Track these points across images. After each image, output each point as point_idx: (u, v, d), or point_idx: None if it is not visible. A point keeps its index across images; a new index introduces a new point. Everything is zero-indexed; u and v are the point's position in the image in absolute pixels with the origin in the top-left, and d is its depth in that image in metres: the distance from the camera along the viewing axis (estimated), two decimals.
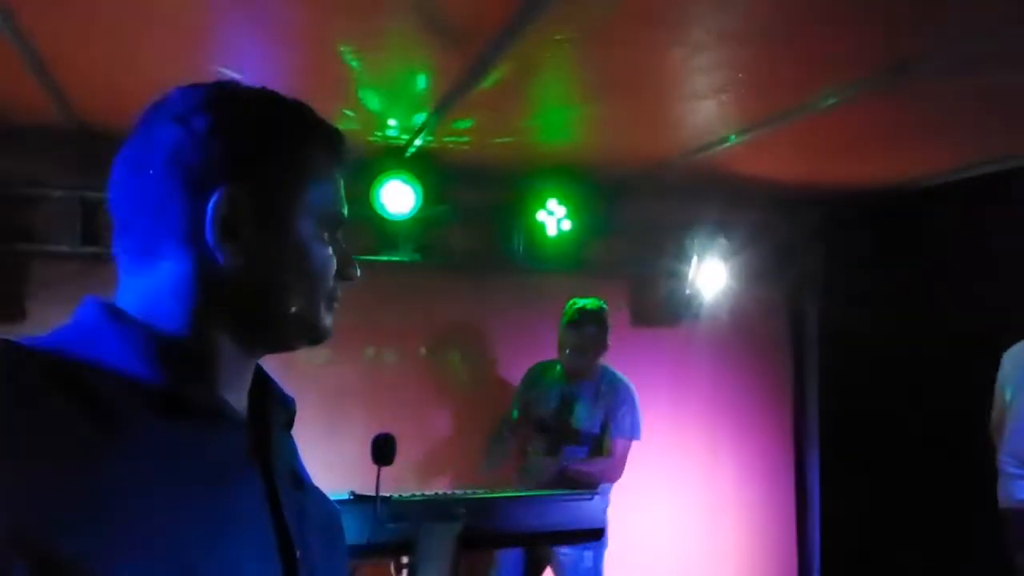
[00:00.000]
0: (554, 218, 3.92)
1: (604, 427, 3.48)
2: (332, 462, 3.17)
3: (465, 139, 3.33)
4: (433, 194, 3.66)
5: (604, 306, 3.48)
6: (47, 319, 0.90)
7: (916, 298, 3.80)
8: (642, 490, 4.24)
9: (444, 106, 2.92)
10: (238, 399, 0.80)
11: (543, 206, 3.91)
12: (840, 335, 4.43)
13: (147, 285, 0.76)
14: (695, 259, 4.18)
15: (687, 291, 4.23)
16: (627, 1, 2.08)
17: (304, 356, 3.82)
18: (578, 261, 4.05)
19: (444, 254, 3.96)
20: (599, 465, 3.41)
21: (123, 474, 0.65)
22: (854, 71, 2.51)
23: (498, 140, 3.35)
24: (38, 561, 0.58)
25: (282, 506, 0.78)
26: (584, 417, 3.46)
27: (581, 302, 3.46)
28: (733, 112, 2.99)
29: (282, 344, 0.84)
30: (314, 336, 0.84)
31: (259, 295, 0.79)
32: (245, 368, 0.82)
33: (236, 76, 0.86)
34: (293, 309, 0.80)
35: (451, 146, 3.41)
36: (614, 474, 3.40)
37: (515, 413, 3.61)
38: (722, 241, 4.14)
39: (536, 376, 3.60)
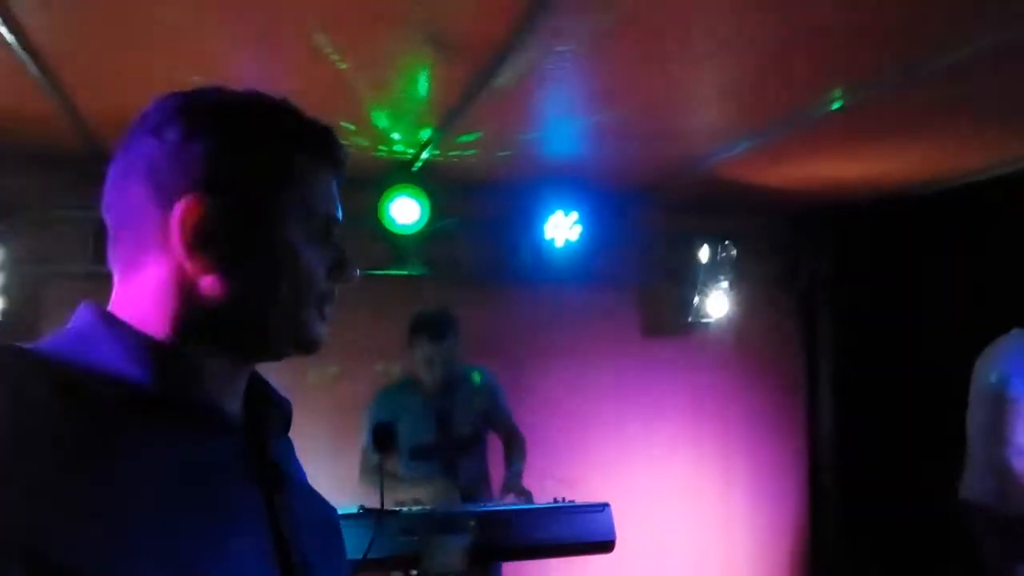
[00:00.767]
0: (562, 229, 3.92)
1: (481, 420, 3.36)
2: (342, 476, 3.19)
3: (471, 152, 3.34)
4: (441, 208, 3.67)
5: (449, 310, 3.32)
6: None
7: (928, 304, 3.77)
8: (656, 499, 4.23)
9: (450, 120, 2.93)
10: (232, 404, 0.80)
11: (550, 218, 3.91)
12: (852, 341, 4.41)
13: (134, 293, 0.78)
14: (704, 268, 4.18)
15: (697, 300, 4.23)
16: (629, 11, 2.08)
17: (314, 371, 3.84)
18: (587, 272, 4.05)
19: (452, 267, 3.96)
20: (523, 456, 3.34)
21: (119, 479, 0.65)
22: (858, 75, 2.51)
23: (504, 152, 3.36)
24: (36, 567, 0.59)
25: (278, 509, 0.78)
26: (464, 423, 3.29)
27: (428, 312, 3.27)
28: (737, 120, 2.99)
29: (267, 352, 0.82)
30: (302, 344, 0.82)
31: (236, 303, 0.78)
32: (237, 374, 0.81)
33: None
34: (274, 317, 0.79)
35: (458, 159, 3.42)
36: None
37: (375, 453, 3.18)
38: (731, 249, 4.13)
39: (395, 403, 3.27)
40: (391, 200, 3.57)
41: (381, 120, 2.98)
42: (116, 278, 0.80)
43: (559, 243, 3.92)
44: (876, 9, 2.07)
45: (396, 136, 3.16)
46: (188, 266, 0.76)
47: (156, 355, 0.74)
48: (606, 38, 2.26)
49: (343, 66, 2.41)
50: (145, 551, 0.64)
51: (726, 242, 4.12)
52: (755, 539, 4.49)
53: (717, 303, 4.21)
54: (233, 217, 0.77)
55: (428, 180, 3.60)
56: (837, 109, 2.74)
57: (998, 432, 3.01)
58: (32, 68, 2.36)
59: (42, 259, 3.29)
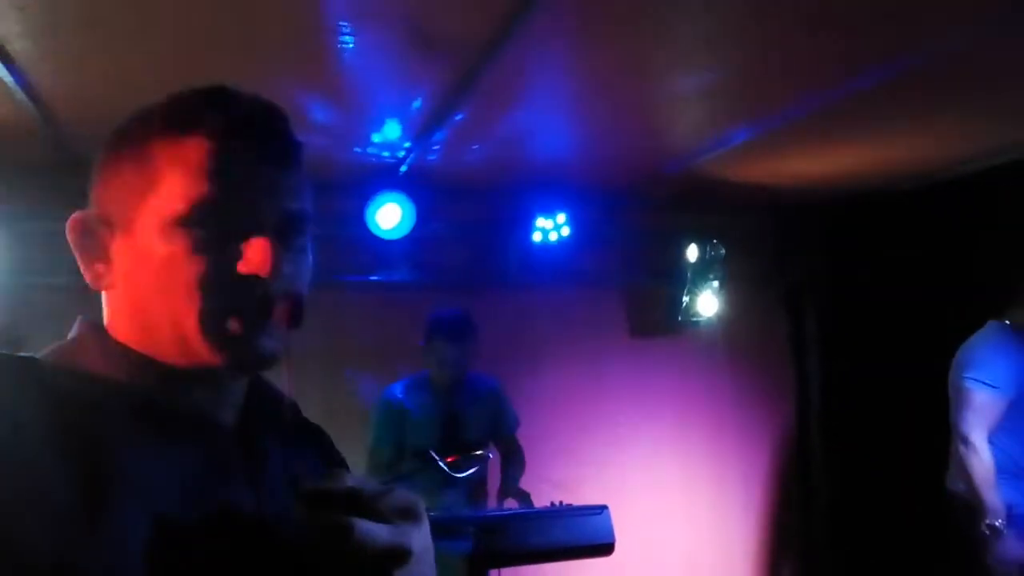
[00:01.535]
0: (548, 231, 3.91)
1: (489, 427, 3.34)
2: None
3: (457, 155, 3.32)
4: (426, 212, 3.64)
5: (468, 312, 3.28)
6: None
7: (914, 299, 3.80)
8: (648, 498, 4.23)
9: (434, 123, 2.91)
10: (225, 410, 0.79)
11: (537, 220, 3.90)
12: (840, 338, 4.43)
13: (106, 310, 0.80)
14: (692, 267, 4.18)
15: (685, 299, 4.23)
16: (612, 11, 2.07)
17: (300, 376, 3.79)
18: (574, 273, 4.04)
19: (439, 271, 3.94)
20: (521, 469, 3.33)
21: (112, 489, 0.65)
22: (844, 71, 2.51)
23: (490, 155, 3.34)
24: (21, 570, 0.60)
25: (269, 516, 0.76)
26: (472, 428, 3.27)
27: (448, 313, 3.23)
28: (722, 119, 2.99)
29: (204, 367, 0.74)
30: (220, 360, 0.73)
31: (136, 319, 0.76)
32: (224, 381, 0.78)
33: None
34: (172, 331, 0.73)
35: (444, 162, 3.40)
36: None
37: (383, 451, 3.20)
38: (718, 248, 4.14)
39: (405, 399, 3.24)
40: (377, 205, 3.54)
41: (365, 123, 2.96)
42: None
43: (546, 245, 3.91)
44: (855, 6, 2.07)
45: (381, 140, 3.13)
46: (91, 284, 0.78)
47: (141, 366, 0.74)
48: (590, 37, 2.25)
49: (328, 67, 2.38)
50: (132, 557, 0.64)
51: (713, 241, 4.13)
52: (747, 535, 4.50)
53: (705, 302, 4.22)
54: (97, 232, 0.77)
55: (414, 184, 3.57)
56: (820, 107, 2.75)
57: (955, 422, 3.05)
58: (8, 77, 2.32)
59: (27, 270, 3.22)
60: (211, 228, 0.72)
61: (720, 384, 4.46)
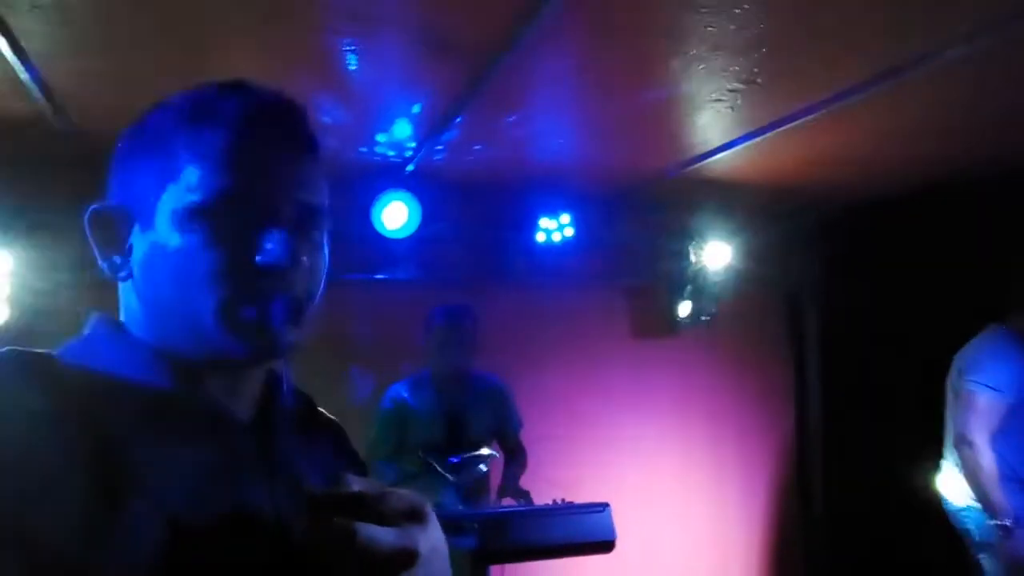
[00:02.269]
0: (552, 232, 3.93)
1: (492, 426, 3.33)
2: None
3: (463, 155, 3.34)
4: (432, 211, 3.67)
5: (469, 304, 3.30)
6: None
7: (916, 302, 3.82)
8: (648, 497, 4.25)
9: (442, 124, 2.93)
10: (241, 404, 0.79)
11: (541, 220, 3.92)
12: (841, 340, 4.45)
13: (122, 302, 0.81)
14: (694, 268, 4.20)
15: (687, 300, 4.25)
16: (620, 14, 2.09)
17: (307, 374, 3.82)
18: (578, 273, 4.06)
19: (444, 270, 3.96)
20: (523, 468, 3.33)
21: (128, 485, 0.65)
22: (847, 78, 2.54)
23: (496, 155, 3.37)
24: (35, 567, 0.59)
25: (283, 509, 0.77)
26: (475, 425, 3.26)
27: (447, 305, 3.26)
28: (730, 121, 3.01)
29: (222, 358, 0.76)
30: (236, 350, 0.74)
31: (152, 310, 0.76)
32: (239, 375, 0.79)
33: None
34: (189, 322, 0.74)
35: (450, 162, 3.43)
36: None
37: (382, 449, 3.19)
38: (721, 249, 4.16)
39: (408, 396, 3.24)
40: (383, 204, 3.56)
41: (373, 123, 2.98)
42: None
43: (550, 245, 3.93)
44: (867, 10, 2.10)
45: (388, 140, 3.16)
46: (108, 275, 0.79)
47: (156, 361, 0.75)
48: (599, 39, 2.27)
49: (338, 68, 2.41)
50: (148, 552, 0.64)
51: (716, 242, 4.15)
52: (746, 536, 4.52)
53: (707, 303, 4.24)
54: (114, 222, 0.77)
55: (420, 183, 3.60)
56: (822, 111, 2.77)
57: (957, 426, 3.07)
58: (23, 73, 2.34)
59: (49, 267, 3.23)
60: (230, 219, 0.72)
61: (720, 386, 4.48)
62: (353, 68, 2.42)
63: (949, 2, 2.06)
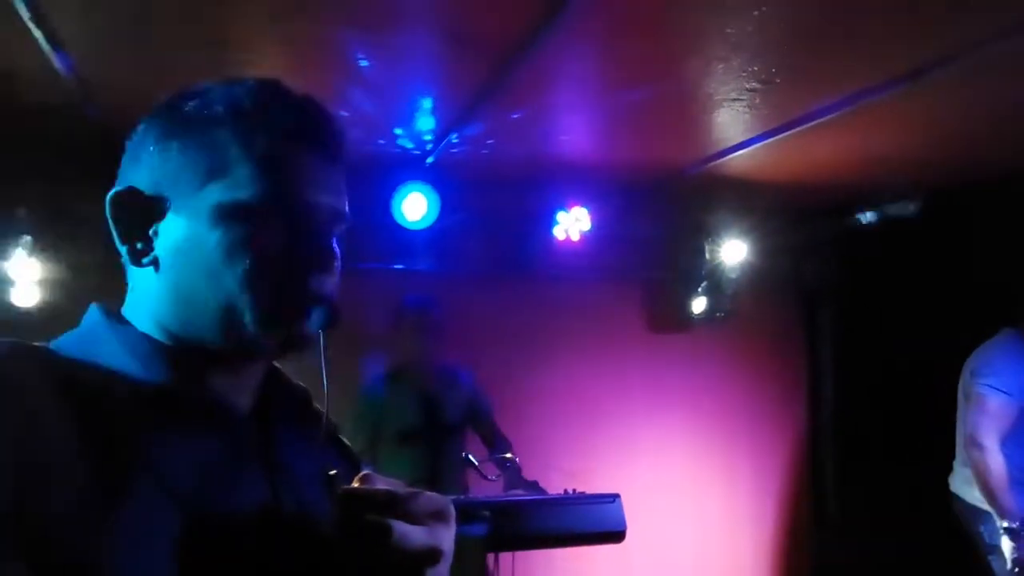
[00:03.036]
0: (570, 225, 3.96)
1: (466, 411, 3.40)
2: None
3: (483, 148, 3.37)
4: (451, 203, 3.71)
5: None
6: None
7: (931, 302, 3.81)
8: (660, 490, 4.27)
9: (463, 116, 2.96)
10: (241, 398, 0.80)
11: (559, 214, 3.95)
12: (855, 339, 4.45)
13: (128, 291, 0.80)
14: (710, 265, 4.21)
15: (702, 297, 4.27)
16: (642, 10, 2.11)
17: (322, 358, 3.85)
18: (595, 268, 4.09)
19: (462, 262, 4.00)
20: (509, 448, 3.34)
21: (127, 477, 0.65)
22: (865, 80, 2.55)
23: (515, 149, 3.40)
24: (38, 562, 0.59)
25: (283, 502, 0.77)
26: (449, 409, 3.35)
27: (407, 295, 3.39)
28: (748, 120, 3.02)
29: (250, 351, 0.78)
30: (266, 345, 0.77)
31: (174, 296, 0.76)
32: (242, 368, 0.80)
33: None
34: (221, 313, 0.74)
35: (469, 155, 3.46)
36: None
37: (357, 440, 3.19)
38: (737, 246, 4.17)
39: (384, 391, 3.35)
40: (403, 195, 3.61)
41: (394, 115, 3.02)
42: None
43: (568, 239, 3.96)
44: (885, 11, 2.11)
45: (409, 132, 3.19)
46: (131, 261, 0.77)
47: (156, 352, 0.75)
48: (619, 37, 2.29)
49: (360, 62, 2.44)
50: (150, 546, 0.65)
51: (732, 239, 4.16)
52: (757, 532, 4.54)
53: (722, 299, 4.25)
54: (141, 208, 0.76)
55: (440, 175, 3.63)
56: (843, 110, 2.78)
57: (967, 427, 3.07)
58: (58, 64, 2.40)
59: (72, 252, 3.29)
60: (275, 220, 0.75)
61: (734, 382, 4.49)
62: (375, 62, 2.46)
63: (969, 5, 2.07)
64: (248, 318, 0.74)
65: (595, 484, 3.23)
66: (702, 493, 4.44)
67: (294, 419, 0.85)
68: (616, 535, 2.60)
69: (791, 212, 4.36)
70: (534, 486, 3.09)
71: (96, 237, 3.30)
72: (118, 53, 2.42)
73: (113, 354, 0.73)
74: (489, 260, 4.01)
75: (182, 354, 0.75)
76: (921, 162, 3.48)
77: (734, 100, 2.77)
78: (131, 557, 0.63)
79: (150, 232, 0.76)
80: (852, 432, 4.48)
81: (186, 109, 0.77)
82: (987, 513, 3.04)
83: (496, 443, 3.45)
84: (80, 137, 3.04)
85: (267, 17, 2.19)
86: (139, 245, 0.76)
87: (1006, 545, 2.92)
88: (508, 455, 3.15)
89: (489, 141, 3.28)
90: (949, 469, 3.30)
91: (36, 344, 0.72)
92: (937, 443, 3.38)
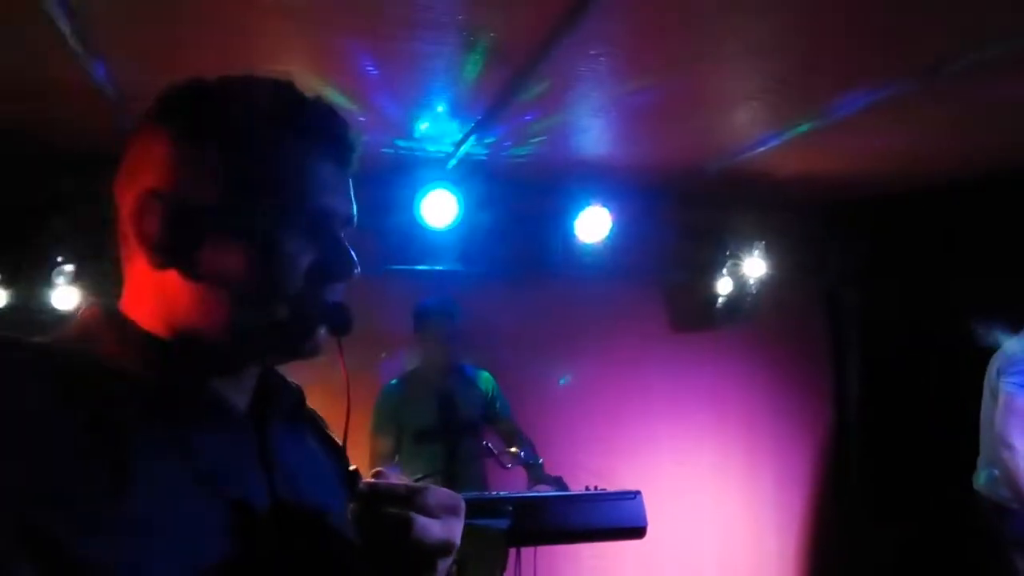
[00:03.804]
0: (593, 225, 3.98)
1: (482, 407, 3.48)
2: (365, 471, 3.26)
3: (505, 150, 3.41)
4: (474, 204, 3.75)
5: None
6: None
7: (957, 296, 3.79)
8: (683, 488, 4.28)
9: (485, 119, 3.00)
10: (239, 396, 0.80)
11: (581, 214, 3.97)
12: (880, 335, 4.43)
13: (133, 288, 0.79)
14: (732, 262, 4.22)
15: (726, 294, 4.27)
16: (663, 12, 2.14)
17: (351, 362, 3.90)
18: (617, 267, 4.10)
19: (484, 263, 4.03)
20: (530, 445, 3.39)
21: (124, 474, 0.65)
22: (885, 74, 2.55)
23: (537, 150, 3.43)
24: (44, 562, 0.58)
25: (281, 501, 0.78)
26: (466, 407, 3.44)
27: (433, 298, 3.48)
28: (766, 117, 3.04)
29: (252, 355, 0.79)
30: (279, 349, 0.78)
31: (198, 301, 0.75)
32: (242, 370, 0.80)
33: None
34: (237, 317, 0.75)
35: (492, 157, 3.50)
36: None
37: (383, 440, 3.38)
38: (760, 243, 4.17)
39: (401, 392, 3.45)
40: (426, 196, 3.65)
41: (418, 118, 3.07)
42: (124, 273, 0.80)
43: (589, 239, 3.98)
44: (902, 10, 2.12)
45: (433, 134, 3.24)
46: (150, 261, 0.76)
47: (154, 351, 0.75)
48: (641, 38, 2.32)
49: (383, 66, 2.49)
50: (146, 545, 0.64)
51: (754, 236, 4.17)
52: (782, 533, 4.53)
53: (745, 298, 4.26)
54: (180, 213, 0.74)
55: (462, 177, 3.68)
56: (864, 105, 2.78)
57: (995, 426, 3.06)
58: (89, 66, 2.46)
59: (104, 254, 3.38)
60: (325, 229, 0.78)
61: (757, 381, 4.49)
62: (398, 65, 2.50)
63: (987, 2, 2.08)
64: (264, 324, 0.75)
65: (619, 482, 3.27)
66: (726, 492, 4.44)
67: (288, 417, 0.86)
68: (637, 531, 2.64)
69: (814, 209, 4.36)
70: (558, 482, 3.14)
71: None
72: (150, 60, 2.48)
73: (114, 352, 0.73)
74: (511, 261, 4.03)
75: (184, 352, 0.75)
76: (946, 155, 3.46)
77: (753, 99, 2.79)
78: (134, 554, 0.63)
79: (191, 234, 0.74)
80: (878, 430, 4.46)
81: (228, 113, 0.77)
82: (1012, 511, 3.03)
83: (516, 440, 3.49)
84: (119, 148, 3.12)
85: (297, 29, 2.24)
86: (160, 247, 0.75)
87: None
88: (521, 452, 3.20)
89: (511, 143, 3.32)
90: (974, 467, 3.29)
91: (35, 340, 0.72)
92: (963, 440, 3.37)
